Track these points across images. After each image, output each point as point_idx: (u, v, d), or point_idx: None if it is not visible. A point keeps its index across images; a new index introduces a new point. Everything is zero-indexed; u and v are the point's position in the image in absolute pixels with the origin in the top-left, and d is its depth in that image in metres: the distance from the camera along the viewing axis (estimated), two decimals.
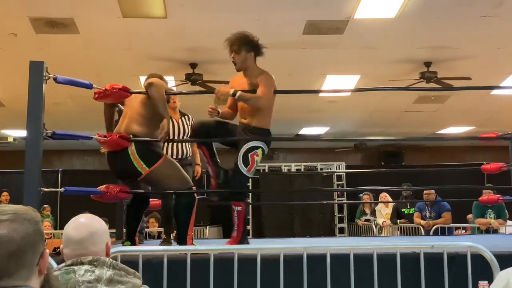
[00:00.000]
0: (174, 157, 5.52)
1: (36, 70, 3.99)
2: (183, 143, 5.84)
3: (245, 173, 4.38)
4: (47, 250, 1.65)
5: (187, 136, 5.78)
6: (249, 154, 4.36)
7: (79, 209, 4.81)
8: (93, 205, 5.03)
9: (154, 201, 5.57)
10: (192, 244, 4.53)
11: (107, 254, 2.11)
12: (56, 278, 1.83)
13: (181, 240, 4.49)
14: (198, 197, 4.76)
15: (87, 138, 4.59)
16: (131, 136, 4.37)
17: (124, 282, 1.99)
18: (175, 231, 5.09)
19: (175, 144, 5.77)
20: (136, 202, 4.76)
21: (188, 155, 5.90)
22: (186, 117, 5.93)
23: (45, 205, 11.07)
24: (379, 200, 10.49)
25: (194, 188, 4.60)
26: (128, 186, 4.59)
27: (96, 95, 4.40)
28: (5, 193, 10.83)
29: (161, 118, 4.39)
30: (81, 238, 2.05)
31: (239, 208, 4.42)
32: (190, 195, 4.51)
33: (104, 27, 7.90)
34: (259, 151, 4.38)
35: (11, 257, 1.51)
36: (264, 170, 13.50)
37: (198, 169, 6.21)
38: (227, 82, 9.59)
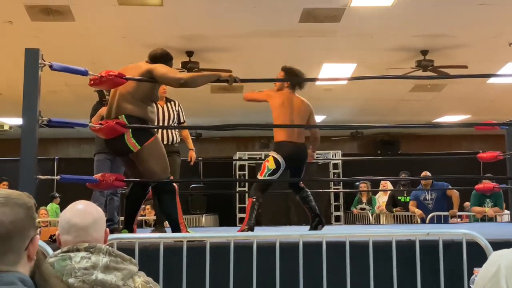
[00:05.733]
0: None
1: (32, 58, 3.99)
2: (170, 129, 5.79)
3: (258, 176, 5.27)
4: (38, 236, 1.65)
5: (173, 122, 5.75)
6: (263, 162, 5.29)
7: (75, 197, 4.80)
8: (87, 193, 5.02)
9: None
10: (187, 231, 4.55)
11: (105, 241, 2.11)
12: (48, 265, 1.83)
13: (175, 229, 4.51)
14: (194, 185, 4.81)
15: (82, 126, 4.59)
16: (123, 116, 4.39)
17: (120, 269, 1.99)
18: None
19: (161, 130, 5.69)
20: (134, 191, 4.77)
21: (175, 141, 5.80)
22: (172, 102, 5.87)
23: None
24: (380, 187, 10.42)
25: (171, 177, 4.65)
26: (124, 166, 4.64)
27: (92, 82, 4.39)
28: (5, 183, 10.70)
29: (154, 99, 4.61)
30: (86, 225, 2.05)
31: (247, 203, 5.18)
32: (168, 184, 4.56)
33: (100, 14, 7.86)
34: (270, 158, 5.21)
35: None
36: (260, 158, 13.50)
37: (192, 154, 6.14)
38: (223, 70, 9.58)
